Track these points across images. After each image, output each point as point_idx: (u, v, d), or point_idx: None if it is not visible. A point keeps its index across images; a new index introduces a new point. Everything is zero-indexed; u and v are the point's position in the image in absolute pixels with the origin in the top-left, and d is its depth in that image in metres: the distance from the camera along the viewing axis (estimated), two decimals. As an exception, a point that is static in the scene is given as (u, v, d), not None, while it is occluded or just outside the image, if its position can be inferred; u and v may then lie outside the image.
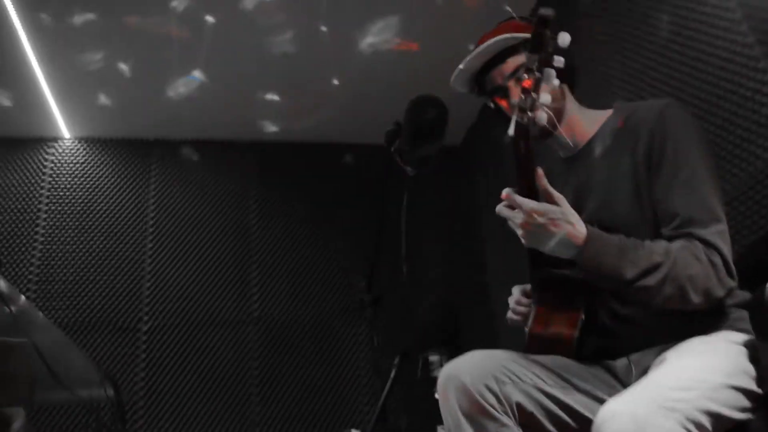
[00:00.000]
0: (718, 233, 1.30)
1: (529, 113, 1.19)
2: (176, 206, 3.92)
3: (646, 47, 2.53)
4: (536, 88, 1.20)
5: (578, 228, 1.27)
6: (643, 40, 2.55)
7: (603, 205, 1.50)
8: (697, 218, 1.31)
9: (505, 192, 1.30)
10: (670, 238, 1.32)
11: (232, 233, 3.92)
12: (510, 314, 1.66)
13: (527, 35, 1.52)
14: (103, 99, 3.66)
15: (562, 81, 1.56)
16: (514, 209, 1.28)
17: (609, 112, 1.64)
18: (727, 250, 1.29)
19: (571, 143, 1.64)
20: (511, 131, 1.20)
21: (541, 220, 1.25)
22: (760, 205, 1.96)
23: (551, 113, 1.42)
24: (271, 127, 4.11)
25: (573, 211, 1.29)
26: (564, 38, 1.20)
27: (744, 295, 1.40)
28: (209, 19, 3.23)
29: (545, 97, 1.20)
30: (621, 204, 1.46)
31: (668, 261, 1.24)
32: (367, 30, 3.38)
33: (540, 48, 1.18)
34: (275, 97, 3.83)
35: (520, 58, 1.59)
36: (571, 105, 1.65)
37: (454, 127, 4.31)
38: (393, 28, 3.37)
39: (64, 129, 3.88)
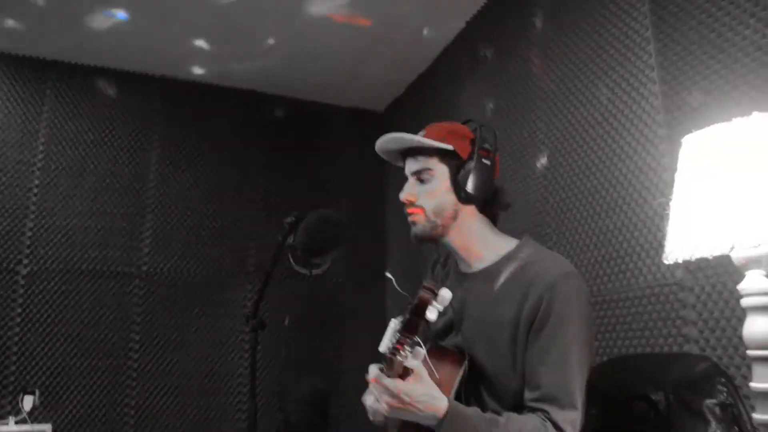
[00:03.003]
0: (571, 422, 1.41)
1: (397, 358, 1.26)
2: (70, 140, 3.64)
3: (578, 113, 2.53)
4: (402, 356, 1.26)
5: (440, 404, 1.35)
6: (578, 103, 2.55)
7: (481, 343, 1.57)
8: (557, 399, 1.42)
9: (373, 375, 1.37)
10: (528, 406, 1.44)
11: (128, 178, 3.71)
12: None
13: (449, 147, 1.58)
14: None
15: (468, 203, 1.58)
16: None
17: (514, 244, 1.65)
18: None
19: (465, 261, 1.67)
20: (382, 348, 1.23)
21: (407, 399, 1.33)
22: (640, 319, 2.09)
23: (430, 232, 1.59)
24: (189, 69, 3.85)
25: (434, 387, 1.37)
26: (444, 296, 1.22)
27: None
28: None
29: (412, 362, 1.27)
30: (498, 351, 1.53)
31: None
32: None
33: (414, 330, 1.20)
34: (204, 45, 3.56)
35: (431, 162, 1.61)
36: (476, 225, 1.66)
37: (380, 94, 4.29)
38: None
39: (-56, 32, 3.42)
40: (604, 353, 2.16)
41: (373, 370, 1.39)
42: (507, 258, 1.63)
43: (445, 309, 1.71)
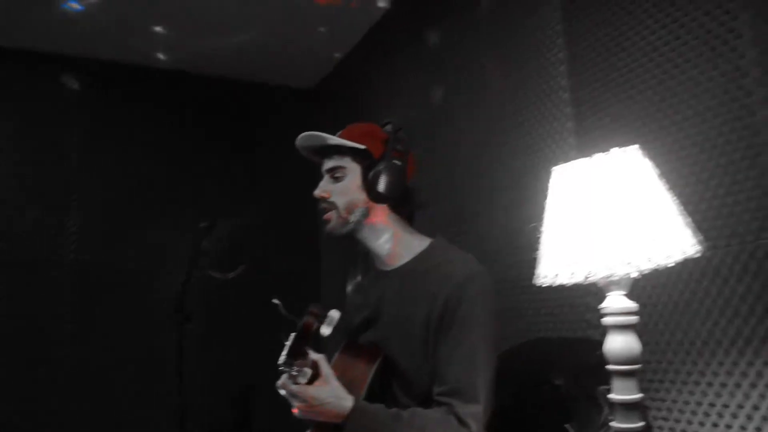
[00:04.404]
0: (473, 414, 1.50)
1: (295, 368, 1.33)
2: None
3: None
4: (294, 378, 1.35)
5: (346, 404, 1.45)
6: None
7: (394, 340, 1.66)
8: (462, 394, 1.51)
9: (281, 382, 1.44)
10: (436, 400, 1.53)
11: (50, 166, 3.58)
12: None
13: (361, 147, 1.64)
14: None
15: (378, 202, 1.64)
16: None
17: (426, 243, 1.73)
18: (476, 429, 1.49)
19: (380, 259, 1.74)
20: (279, 362, 1.30)
21: (315, 403, 1.42)
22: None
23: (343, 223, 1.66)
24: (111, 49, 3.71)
25: (341, 388, 1.46)
26: (332, 317, 1.29)
27: None
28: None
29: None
30: (410, 348, 1.62)
31: None
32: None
33: (298, 353, 1.27)
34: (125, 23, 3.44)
35: (344, 161, 1.69)
36: (388, 224, 1.72)
37: (309, 72, 4.25)
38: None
39: None
40: (516, 337, 2.27)
41: (282, 378, 1.45)
42: (420, 257, 1.71)
43: (364, 306, 1.80)
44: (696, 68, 1.72)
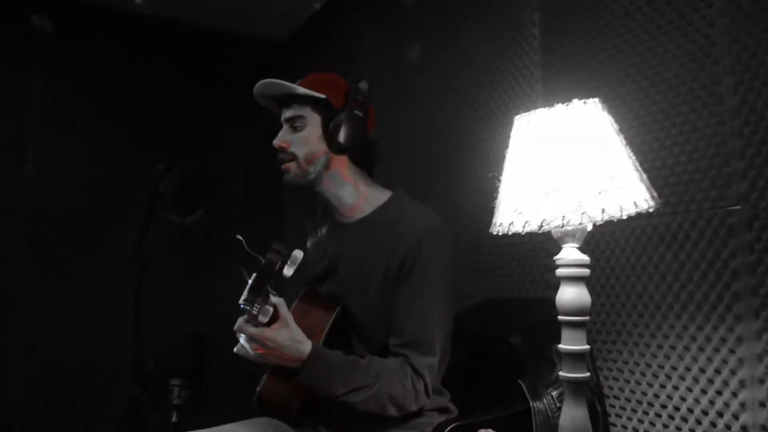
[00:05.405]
0: (428, 366, 1.52)
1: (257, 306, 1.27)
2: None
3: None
4: (254, 317, 1.31)
5: (304, 348, 1.43)
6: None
7: (353, 292, 1.67)
8: (418, 346, 1.53)
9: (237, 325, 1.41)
10: (392, 351, 1.55)
11: (6, 104, 3.40)
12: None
13: (321, 96, 1.58)
14: None
15: (338, 153, 1.62)
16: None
17: (387, 196, 1.72)
18: (430, 379, 1.52)
19: (340, 211, 1.73)
20: (240, 301, 1.28)
21: (272, 345, 1.39)
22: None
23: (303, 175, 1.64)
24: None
25: (299, 332, 1.43)
26: (296, 256, 1.28)
27: (441, 401, 1.66)
28: None
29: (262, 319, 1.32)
30: (368, 299, 1.62)
31: (377, 384, 1.46)
32: None
33: (260, 291, 1.24)
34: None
35: (303, 110, 1.65)
36: (348, 176, 1.70)
37: (281, 26, 4.15)
38: None
39: None
40: (476, 295, 2.29)
41: (239, 321, 1.43)
42: (379, 210, 1.70)
43: (323, 258, 1.79)
44: (666, 35, 1.72)
